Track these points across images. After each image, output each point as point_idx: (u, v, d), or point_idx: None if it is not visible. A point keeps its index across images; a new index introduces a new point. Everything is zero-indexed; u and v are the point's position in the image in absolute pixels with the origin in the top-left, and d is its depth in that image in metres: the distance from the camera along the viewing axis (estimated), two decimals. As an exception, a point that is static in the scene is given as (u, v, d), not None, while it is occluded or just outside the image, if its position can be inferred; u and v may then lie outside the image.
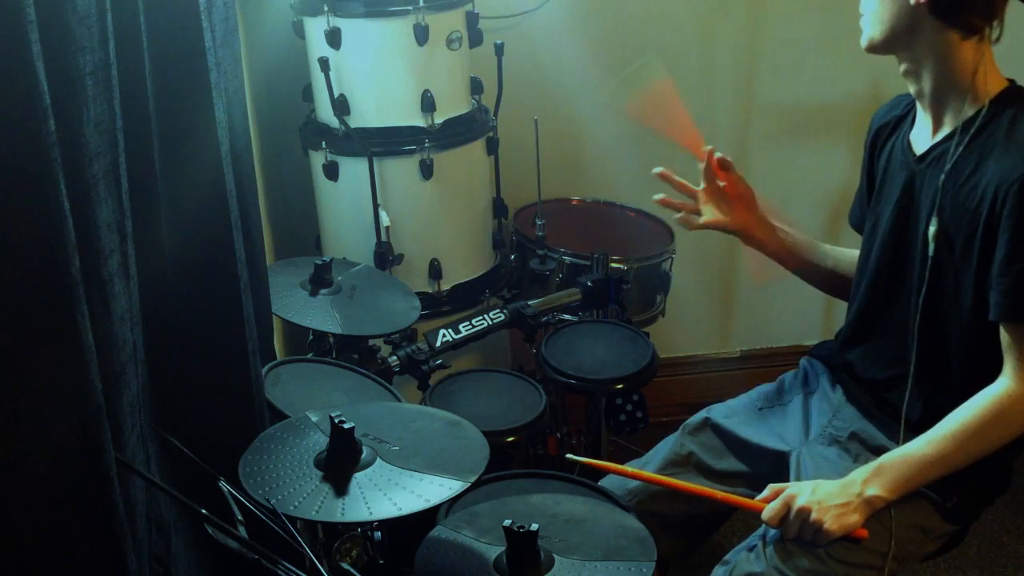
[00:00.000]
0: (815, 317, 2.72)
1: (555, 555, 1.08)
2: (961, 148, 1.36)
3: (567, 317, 1.95)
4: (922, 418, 1.42)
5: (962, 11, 1.32)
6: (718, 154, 1.64)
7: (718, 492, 1.44)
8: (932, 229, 1.38)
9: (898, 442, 1.43)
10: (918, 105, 1.47)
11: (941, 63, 1.37)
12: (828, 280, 1.73)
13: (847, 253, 1.72)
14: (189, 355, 1.22)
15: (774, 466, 1.56)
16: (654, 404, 1.98)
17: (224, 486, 1.08)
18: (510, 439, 1.57)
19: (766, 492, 1.39)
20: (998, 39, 1.36)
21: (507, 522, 1.06)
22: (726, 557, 1.44)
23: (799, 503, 1.33)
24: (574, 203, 2.39)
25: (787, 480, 1.48)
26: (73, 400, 0.83)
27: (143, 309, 1.09)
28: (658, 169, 1.66)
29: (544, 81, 2.35)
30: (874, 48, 1.43)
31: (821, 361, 1.70)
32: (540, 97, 2.32)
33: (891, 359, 1.51)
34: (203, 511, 0.99)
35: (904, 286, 1.48)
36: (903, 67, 1.44)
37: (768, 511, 1.35)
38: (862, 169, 1.66)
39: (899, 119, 1.56)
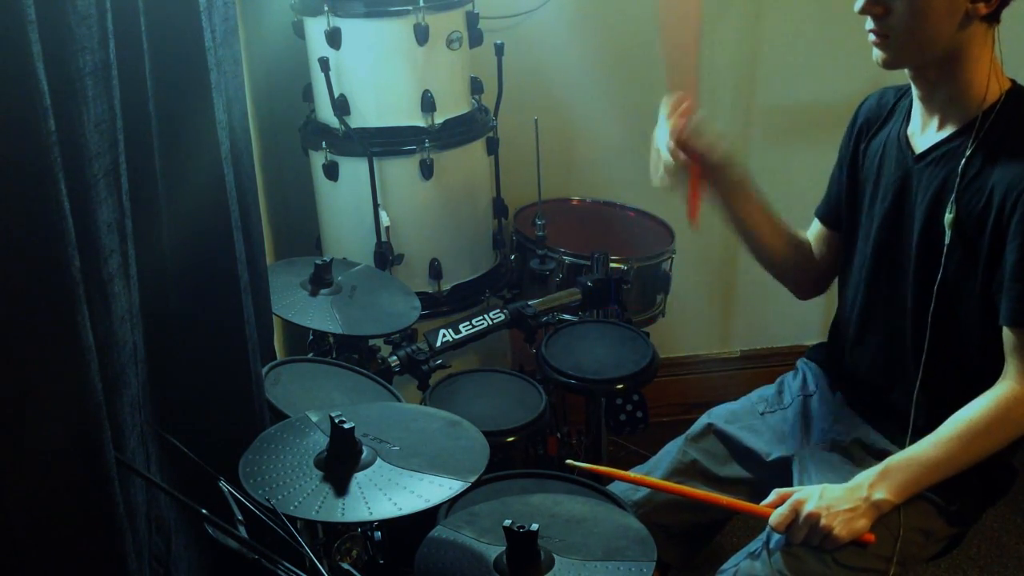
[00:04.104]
0: (815, 317, 2.71)
1: (555, 555, 1.08)
2: (971, 148, 1.34)
3: (567, 317, 1.95)
4: (928, 418, 1.41)
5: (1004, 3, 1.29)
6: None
7: (723, 497, 1.43)
8: (949, 216, 1.35)
9: (901, 445, 1.42)
10: (917, 103, 1.44)
11: (967, 65, 1.33)
12: (772, 256, 1.64)
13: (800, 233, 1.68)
14: (189, 355, 1.22)
15: (778, 471, 1.55)
16: (654, 404, 1.98)
17: (224, 486, 1.07)
18: (510, 439, 1.57)
19: (772, 497, 1.38)
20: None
21: (507, 522, 1.06)
22: (724, 566, 1.43)
23: (808, 508, 1.32)
24: (574, 203, 2.39)
25: (790, 485, 1.47)
26: (73, 400, 0.83)
27: (143, 309, 1.09)
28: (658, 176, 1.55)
29: (544, 81, 2.35)
30: (894, 67, 1.38)
31: (818, 364, 1.69)
32: (540, 97, 2.32)
33: (889, 360, 1.50)
34: (203, 511, 0.99)
35: (899, 287, 1.46)
36: (916, 74, 1.40)
37: (776, 516, 1.34)
38: (840, 158, 1.62)
39: (888, 113, 1.53)
